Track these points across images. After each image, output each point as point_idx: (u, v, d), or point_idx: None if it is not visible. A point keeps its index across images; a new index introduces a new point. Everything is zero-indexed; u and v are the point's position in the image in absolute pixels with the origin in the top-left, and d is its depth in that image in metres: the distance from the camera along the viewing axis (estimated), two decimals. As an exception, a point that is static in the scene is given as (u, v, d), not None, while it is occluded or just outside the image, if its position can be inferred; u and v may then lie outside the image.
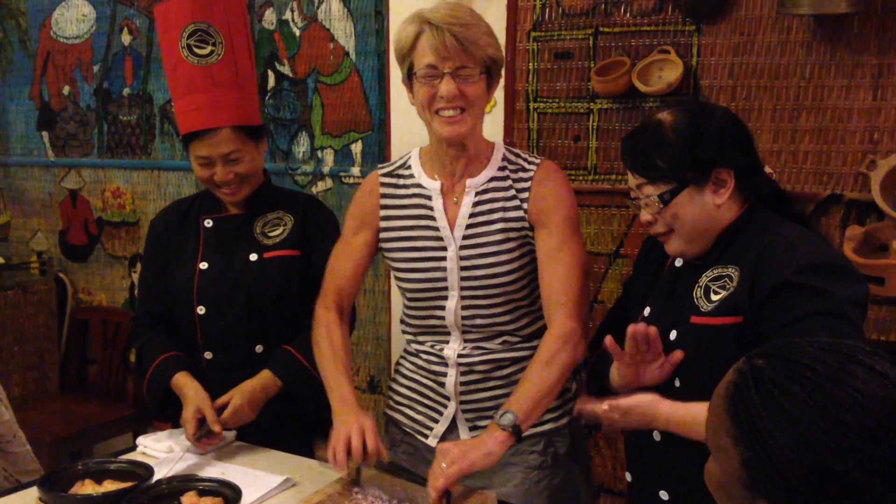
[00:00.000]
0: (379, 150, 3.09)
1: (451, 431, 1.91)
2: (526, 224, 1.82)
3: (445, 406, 1.91)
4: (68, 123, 3.89)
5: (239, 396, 2.00)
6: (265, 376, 2.05)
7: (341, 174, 3.19)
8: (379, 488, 1.71)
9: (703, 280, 1.60)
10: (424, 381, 1.94)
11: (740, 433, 0.96)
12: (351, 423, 1.71)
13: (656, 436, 1.64)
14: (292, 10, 3.21)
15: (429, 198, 1.87)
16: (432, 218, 1.86)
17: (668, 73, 2.46)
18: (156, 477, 1.77)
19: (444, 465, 1.59)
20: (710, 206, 1.58)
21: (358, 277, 1.97)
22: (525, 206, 1.82)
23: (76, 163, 3.89)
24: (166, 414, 2.08)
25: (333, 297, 1.95)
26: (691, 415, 1.50)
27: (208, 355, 2.14)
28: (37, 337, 3.83)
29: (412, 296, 1.91)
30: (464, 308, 1.84)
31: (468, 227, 1.83)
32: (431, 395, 1.93)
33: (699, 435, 1.46)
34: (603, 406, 1.60)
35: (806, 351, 0.96)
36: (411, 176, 1.91)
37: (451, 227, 1.84)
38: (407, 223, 1.89)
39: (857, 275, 1.51)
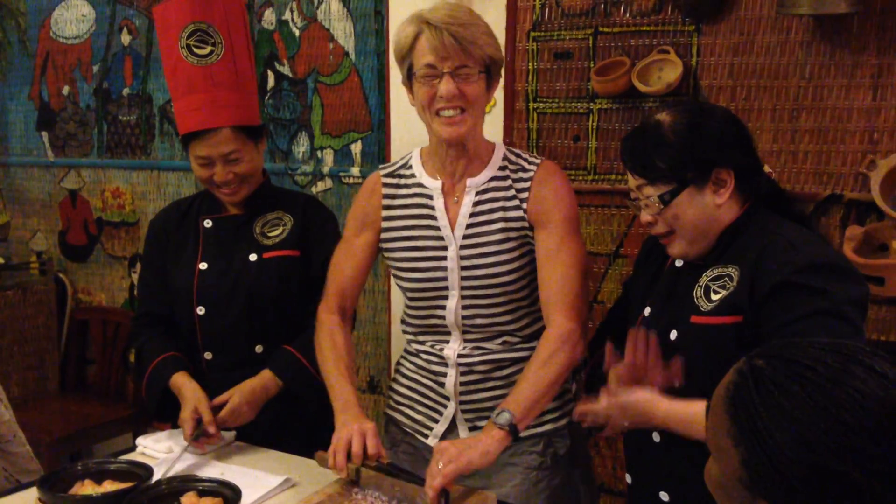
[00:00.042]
0: (379, 150, 3.09)
1: (450, 431, 1.91)
2: (525, 224, 1.82)
3: (445, 406, 1.91)
4: (68, 123, 3.89)
5: (238, 395, 2.00)
6: (265, 376, 2.05)
7: (341, 174, 3.19)
8: (378, 489, 1.71)
9: (704, 280, 1.60)
10: (424, 381, 1.94)
11: (740, 433, 0.96)
12: (352, 427, 1.71)
13: (656, 437, 1.64)
14: (292, 11, 3.21)
15: (430, 197, 1.87)
16: (433, 217, 1.86)
17: (668, 73, 2.46)
18: (155, 477, 1.77)
19: (441, 464, 1.58)
20: (710, 207, 1.58)
21: (360, 278, 1.97)
22: (524, 206, 1.82)
23: (76, 163, 3.89)
24: (165, 414, 2.07)
25: (336, 299, 1.95)
26: (689, 413, 1.50)
27: (208, 356, 2.14)
28: (36, 337, 3.83)
29: (413, 295, 1.91)
30: (464, 308, 1.84)
31: (468, 226, 1.83)
32: (431, 395, 1.93)
33: (697, 433, 1.47)
34: (601, 402, 1.60)
35: (806, 351, 0.96)
36: (412, 176, 1.91)
37: (452, 226, 1.84)
38: (408, 223, 1.89)
39: (856, 275, 1.51)
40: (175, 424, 2.03)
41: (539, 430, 1.85)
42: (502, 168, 1.86)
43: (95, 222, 3.90)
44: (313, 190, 3.24)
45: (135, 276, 3.77)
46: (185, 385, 2.02)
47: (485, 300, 1.83)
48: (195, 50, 2.08)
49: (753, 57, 2.40)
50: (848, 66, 2.29)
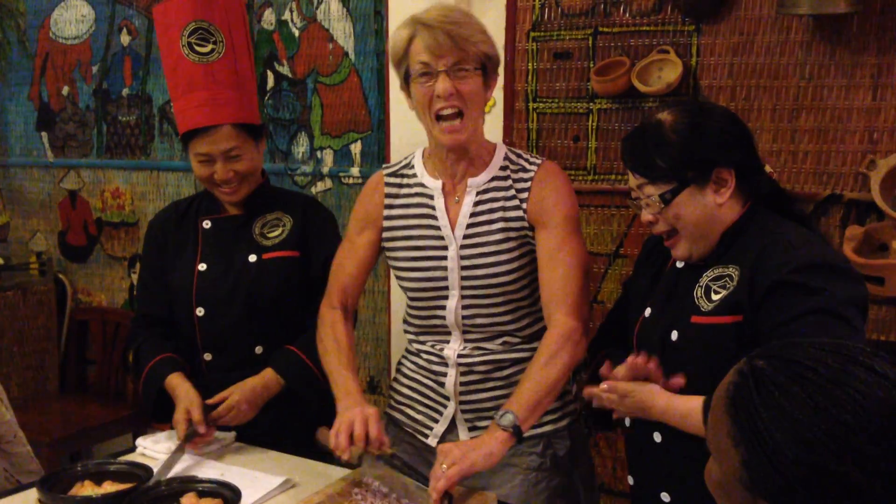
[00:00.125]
0: (378, 150, 3.09)
1: (450, 431, 1.91)
2: (525, 224, 1.83)
3: (445, 406, 1.91)
4: (67, 124, 3.89)
5: (238, 393, 2.00)
6: (267, 374, 2.06)
7: (340, 174, 3.19)
8: (380, 480, 1.71)
9: (704, 280, 1.60)
10: (425, 380, 1.94)
11: (741, 434, 0.96)
12: (354, 411, 1.72)
13: (657, 437, 1.64)
14: (291, 11, 3.20)
15: (431, 197, 1.88)
16: (434, 217, 1.86)
17: (668, 73, 2.46)
18: (154, 478, 1.77)
19: (444, 466, 1.59)
20: (711, 206, 1.58)
21: (362, 277, 1.97)
22: (524, 206, 1.82)
23: (75, 163, 3.89)
24: (163, 415, 2.07)
25: (338, 296, 1.95)
26: (688, 407, 1.51)
27: (208, 357, 2.13)
28: (36, 338, 3.83)
29: (413, 295, 1.91)
30: (464, 308, 1.84)
31: (469, 226, 1.83)
32: (431, 394, 1.93)
33: (694, 428, 1.48)
34: (602, 385, 1.61)
35: (807, 352, 0.96)
36: (414, 175, 1.91)
37: (452, 226, 1.84)
38: (409, 222, 1.89)
39: (856, 275, 1.51)
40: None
41: (539, 430, 1.85)
42: (503, 168, 1.86)
43: (95, 223, 3.90)
44: (313, 190, 3.24)
45: (134, 277, 3.77)
46: (179, 386, 2.02)
47: (485, 300, 1.84)
48: (196, 48, 2.08)
49: (753, 57, 2.40)
50: (848, 65, 2.29)
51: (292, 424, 2.10)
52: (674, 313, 1.64)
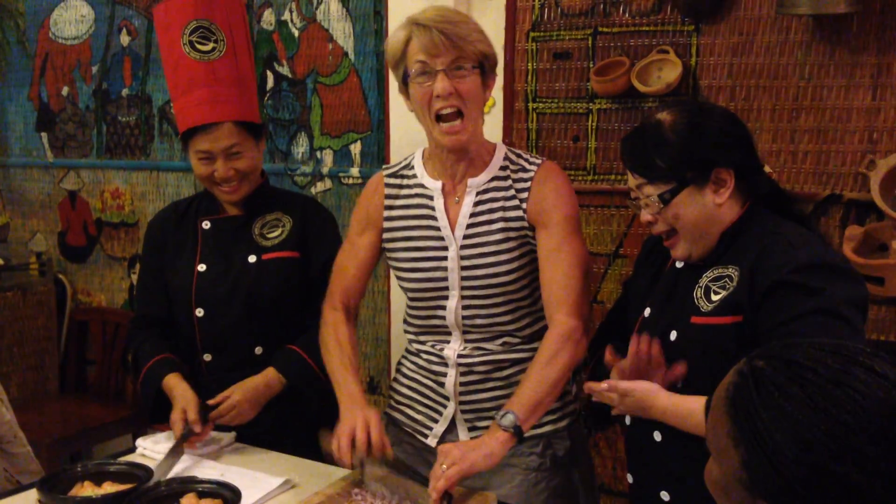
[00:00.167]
0: (378, 150, 3.09)
1: (450, 432, 1.91)
2: (525, 224, 1.83)
3: (445, 406, 1.91)
4: (67, 124, 3.89)
5: (239, 392, 2.00)
6: (269, 373, 2.06)
7: (340, 175, 3.19)
8: (381, 484, 1.72)
9: (704, 280, 1.60)
10: (425, 380, 1.94)
11: (740, 434, 0.96)
12: (356, 417, 1.72)
13: (657, 436, 1.64)
14: (291, 11, 3.20)
15: (430, 198, 1.88)
16: (434, 218, 1.86)
17: (668, 73, 2.46)
18: (153, 479, 1.77)
19: (444, 466, 1.59)
20: (710, 206, 1.58)
21: (364, 278, 1.98)
22: (524, 206, 1.82)
23: (75, 164, 3.89)
24: (162, 416, 2.07)
25: (340, 298, 1.95)
26: (688, 407, 1.51)
27: (207, 357, 2.13)
28: (36, 338, 3.83)
29: (413, 296, 1.91)
30: (464, 308, 1.84)
31: (469, 226, 1.83)
32: (431, 395, 1.93)
33: (695, 428, 1.48)
34: (602, 385, 1.61)
35: (807, 352, 0.96)
36: (414, 176, 1.91)
37: (452, 227, 1.84)
38: (409, 223, 1.89)
39: (856, 276, 1.51)
40: (173, 426, 2.03)
41: (539, 431, 1.85)
42: (503, 168, 1.86)
43: (95, 223, 3.90)
44: (313, 190, 3.24)
45: (134, 277, 3.77)
46: (176, 386, 2.02)
47: (485, 300, 1.84)
48: (197, 46, 2.09)
49: (753, 57, 2.40)
50: (847, 65, 2.29)
51: (293, 424, 2.10)
52: (673, 313, 1.64)
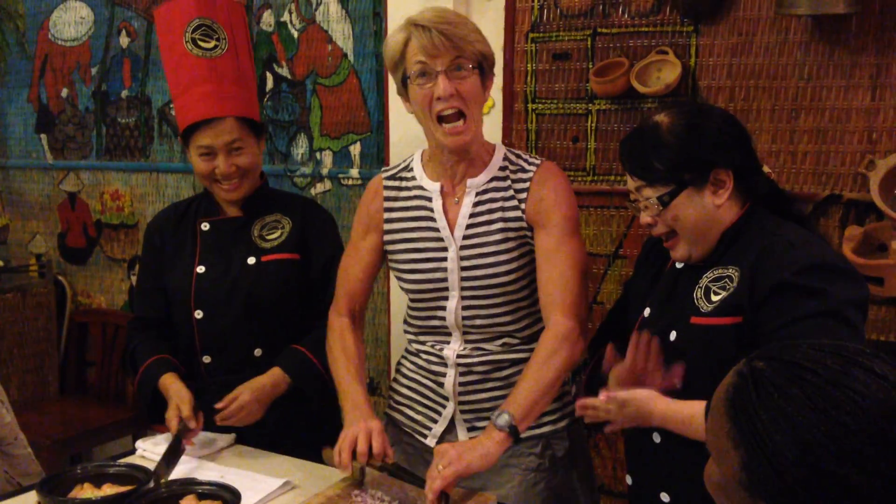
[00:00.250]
0: (377, 151, 3.09)
1: (449, 432, 1.91)
2: (524, 224, 1.83)
3: (444, 406, 1.91)
4: (67, 126, 3.89)
5: (248, 392, 2.00)
6: (275, 373, 2.06)
7: (340, 176, 3.19)
8: (380, 489, 1.72)
9: (704, 281, 1.60)
10: (424, 381, 1.94)
11: (740, 436, 0.96)
12: (358, 426, 1.73)
13: (656, 438, 1.64)
14: (290, 12, 3.21)
15: (429, 199, 1.88)
16: (433, 219, 1.86)
17: (667, 73, 2.46)
18: (153, 473, 1.77)
19: (440, 466, 1.59)
20: (709, 207, 1.58)
21: (369, 281, 1.98)
22: (523, 206, 1.82)
23: (75, 165, 3.89)
24: (160, 416, 2.07)
25: (345, 302, 1.96)
26: (688, 412, 1.51)
27: (207, 359, 2.13)
28: (36, 340, 3.83)
29: (414, 297, 1.91)
30: (464, 308, 1.84)
31: (468, 227, 1.84)
32: (431, 395, 1.93)
33: (695, 433, 1.47)
34: (600, 397, 1.60)
35: (806, 353, 0.96)
36: (413, 178, 1.92)
37: (452, 227, 1.85)
38: (409, 224, 1.89)
39: (856, 276, 1.51)
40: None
41: (537, 431, 1.85)
42: (502, 169, 1.86)
43: (94, 225, 3.90)
44: (312, 192, 3.24)
45: (134, 279, 3.77)
46: (171, 386, 2.02)
47: (484, 301, 1.84)
48: (200, 43, 2.10)
49: (752, 57, 2.40)
50: (847, 66, 2.29)
51: (296, 424, 2.10)
52: (673, 314, 1.63)
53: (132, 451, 2.04)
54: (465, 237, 1.83)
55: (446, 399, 1.90)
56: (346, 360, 1.88)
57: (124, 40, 3.65)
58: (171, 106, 3.43)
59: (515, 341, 1.88)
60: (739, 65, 2.41)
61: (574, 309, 1.78)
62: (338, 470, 1.75)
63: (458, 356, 1.87)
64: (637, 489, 1.75)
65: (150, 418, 2.12)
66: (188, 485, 1.75)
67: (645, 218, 1.64)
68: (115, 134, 3.75)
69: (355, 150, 3.15)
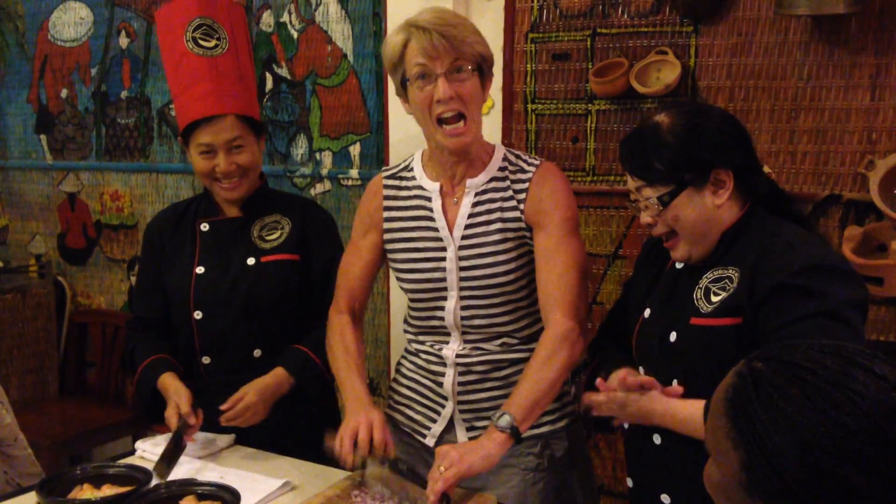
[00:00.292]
0: (377, 151, 3.08)
1: (448, 431, 1.91)
2: (523, 225, 1.83)
3: (443, 406, 1.91)
4: (66, 126, 3.89)
5: (253, 393, 2.00)
6: (278, 373, 2.05)
7: (340, 176, 3.19)
8: (381, 484, 1.72)
9: (703, 281, 1.60)
10: (423, 380, 1.94)
11: (740, 436, 0.96)
12: (360, 416, 1.73)
13: (657, 439, 1.64)
14: (290, 13, 3.21)
15: (429, 199, 1.88)
16: (432, 219, 1.86)
17: (666, 74, 2.46)
18: (153, 471, 1.77)
19: (442, 468, 1.59)
20: (709, 207, 1.58)
21: (369, 280, 1.99)
22: (522, 206, 1.82)
23: (74, 166, 3.89)
24: (160, 416, 2.07)
25: (345, 300, 1.96)
26: (688, 412, 1.51)
27: (206, 360, 2.13)
28: (35, 341, 3.83)
29: (413, 296, 1.92)
30: (463, 308, 1.84)
31: (467, 227, 1.84)
32: (430, 394, 1.93)
33: (695, 432, 1.47)
34: (601, 396, 1.61)
35: (806, 354, 0.96)
36: (413, 178, 1.92)
37: (451, 227, 1.85)
38: (408, 224, 1.89)
39: (856, 277, 1.51)
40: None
41: (537, 431, 1.85)
42: (502, 169, 1.86)
43: (94, 225, 3.90)
44: (312, 192, 3.24)
45: (133, 279, 3.77)
46: (169, 385, 2.02)
47: (483, 301, 1.84)
48: (201, 42, 2.11)
49: (752, 58, 2.40)
50: (846, 66, 2.29)
51: (297, 424, 2.10)
52: (673, 314, 1.63)
53: (132, 452, 2.04)
54: (464, 237, 1.83)
55: (445, 399, 1.90)
56: (347, 355, 1.88)
57: (124, 41, 3.65)
58: (171, 106, 3.45)
59: (514, 341, 1.88)
60: (739, 65, 2.41)
61: (574, 309, 1.78)
62: (338, 465, 1.75)
63: (458, 356, 1.87)
64: (638, 491, 1.75)
65: (149, 418, 2.13)
66: (188, 485, 1.75)
67: (645, 218, 1.64)
68: (115, 134, 3.75)
69: (355, 150, 3.15)
